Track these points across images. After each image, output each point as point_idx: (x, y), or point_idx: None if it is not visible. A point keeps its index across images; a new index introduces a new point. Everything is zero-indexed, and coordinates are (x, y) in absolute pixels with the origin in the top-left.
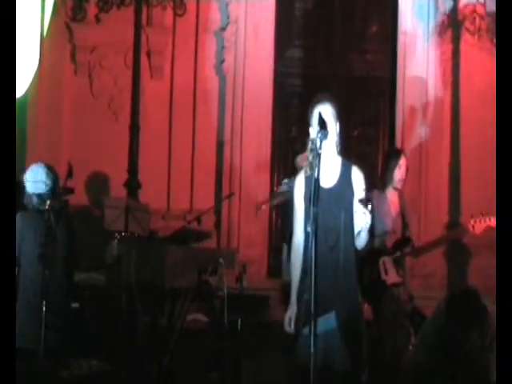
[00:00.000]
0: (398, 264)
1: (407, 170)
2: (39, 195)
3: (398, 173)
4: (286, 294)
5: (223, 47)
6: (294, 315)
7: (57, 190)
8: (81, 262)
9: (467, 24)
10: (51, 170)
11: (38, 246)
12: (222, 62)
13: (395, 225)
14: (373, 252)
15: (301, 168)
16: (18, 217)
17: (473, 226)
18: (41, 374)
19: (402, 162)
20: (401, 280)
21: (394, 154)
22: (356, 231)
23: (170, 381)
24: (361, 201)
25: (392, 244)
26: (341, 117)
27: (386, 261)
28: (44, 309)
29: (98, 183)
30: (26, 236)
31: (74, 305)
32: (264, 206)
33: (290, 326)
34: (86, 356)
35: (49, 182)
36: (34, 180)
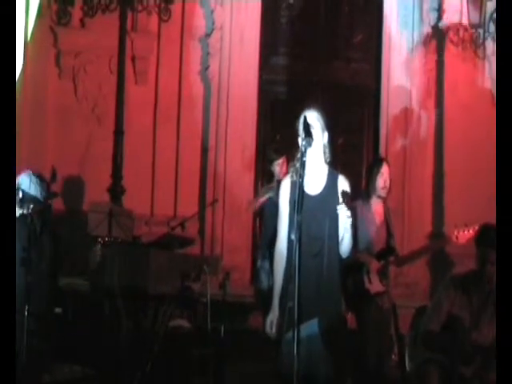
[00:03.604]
0: (382, 273)
1: (390, 178)
2: (25, 199)
3: (381, 181)
4: (262, 301)
5: (208, 53)
6: (275, 319)
7: (43, 196)
8: (64, 266)
9: (451, 35)
10: (39, 178)
11: (20, 251)
12: (207, 68)
13: (379, 234)
14: (357, 261)
15: (278, 174)
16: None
17: (456, 237)
18: (23, 378)
19: (384, 169)
20: (384, 289)
21: (375, 163)
22: (340, 237)
23: None
24: (343, 196)
25: (376, 253)
26: (326, 125)
27: (370, 269)
28: (26, 313)
29: (81, 188)
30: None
31: (57, 310)
32: (258, 203)
33: (271, 330)
34: (69, 361)
35: (34, 187)
36: (24, 186)
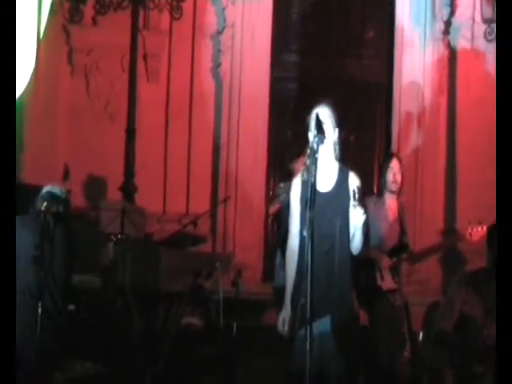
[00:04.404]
0: (394, 270)
1: (402, 173)
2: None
3: (390, 175)
4: (279, 299)
5: (220, 51)
6: (287, 317)
7: (60, 198)
8: (77, 264)
9: (464, 30)
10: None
11: (33, 248)
12: (219, 65)
13: (392, 230)
14: (369, 257)
15: (296, 173)
16: (16, 220)
17: (470, 234)
18: (35, 376)
19: (394, 164)
20: (396, 286)
21: (386, 158)
22: (351, 234)
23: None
24: (354, 195)
25: (389, 250)
26: (338, 122)
27: (383, 266)
28: (39, 311)
29: (94, 186)
30: (23, 239)
31: (70, 307)
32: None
33: (283, 327)
34: (81, 358)
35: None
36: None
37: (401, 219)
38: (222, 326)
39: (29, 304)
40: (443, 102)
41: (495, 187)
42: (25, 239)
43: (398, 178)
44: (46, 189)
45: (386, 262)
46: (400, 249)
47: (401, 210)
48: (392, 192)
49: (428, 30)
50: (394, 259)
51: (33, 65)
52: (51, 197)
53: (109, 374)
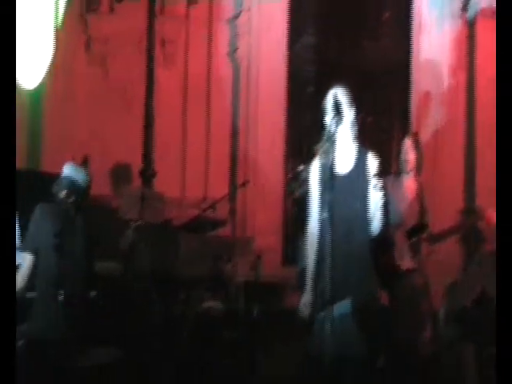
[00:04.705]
0: (414, 250)
1: (419, 153)
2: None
3: (405, 154)
4: (302, 281)
5: (236, 35)
6: (309, 301)
7: (82, 186)
8: (97, 251)
9: (483, 7)
10: (83, 168)
11: (54, 236)
12: (236, 50)
13: (411, 210)
14: (388, 238)
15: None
16: (37, 208)
17: (489, 216)
18: (59, 363)
19: (407, 143)
20: (416, 266)
21: (402, 138)
22: (371, 215)
23: (185, 368)
24: (374, 174)
25: (408, 229)
26: (355, 103)
27: (402, 246)
28: (61, 298)
29: (113, 173)
30: (44, 226)
31: (92, 293)
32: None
33: (305, 312)
34: (102, 345)
35: (73, 172)
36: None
37: (420, 199)
38: (242, 309)
39: (50, 292)
40: (462, 80)
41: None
42: (45, 227)
43: (410, 157)
44: (65, 172)
45: (405, 241)
46: (419, 229)
47: (420, 189)
48: (407, 172)
49: (446, 8)
50: (414, 239)
51: (51, 54)
52: (71, 184)
53: (130, 360)
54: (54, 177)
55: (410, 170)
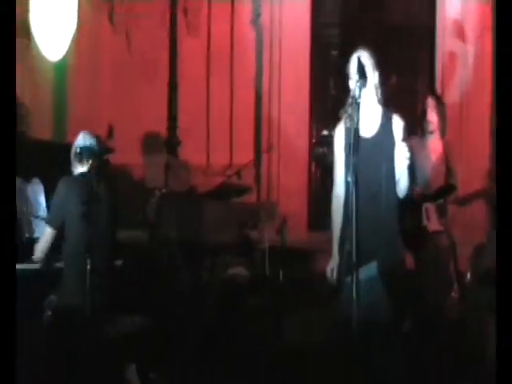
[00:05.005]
0: (441, 211)
1: (442, 113)
2: (76, 149)
3: (428, 115)
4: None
5: (259, 1)
6: (335, 265)
7: (98, 152)
8: (122, 219)
9: None
10: (92, 134)
11: (80, 206)
12: (259, 15)
13: (437, 171)
14: (415, 198)
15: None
16: (60, 181)
17: None
18: (87, 331)
19: (430, 103)
20: (442, 228)
21: (425, 99)
22: (397, 178)
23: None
24: (400, 136)
25: (435, 191)
26: (380, 66)
27: (429, 208)
28: (89, 267)
29: (138, 141)
30: (69, 198)
31: (118, 262)
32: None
33: (332, 276)
34: (130, 313)
35: (88, 140)
36: (76, 140)
37: (446, 160)
38: (268, 275)
39: (78, 262)
40: (487, 40)
41: None
42: (71, 199)
43: (433, 117)
44: (82, 143)
45: (432, 203)
46: (446, 190)
47: (446, 150)
48: (430, 132)
49: None
50: (441, 200)
51: (75, 25)
52: (91, 154)
53: (157, 327)
54: None
55: (434, 131)
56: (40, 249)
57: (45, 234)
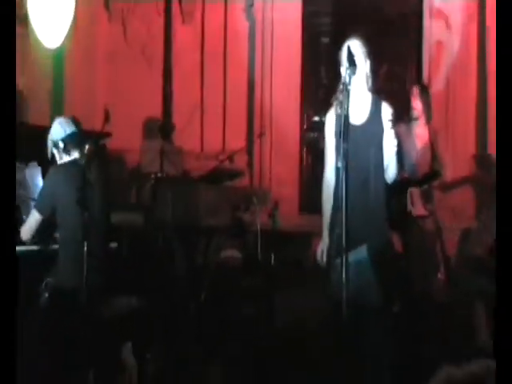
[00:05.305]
0: (426, 197)
1: (425, 100)
2: (55, 143)
3: (413, 102)
4: None
5: None
6: (325, 248)
7: (81, 137)
8: (118, 203)
9: None
10: (71, 120)
11: (74, 192)
12: (252, 5)
13: (424, 157)
14: (401, 184)
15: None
16: (51, 169)
17: None
18: (83, 312)
19: (414, 91)
20: (427, 213)
21: (411, 87)
22: (385, 164)
23: (206, 316)
24: (388, 124)
25: (420, 176)
26: (370, 55)
27: (414, 193)
28: (85, 249)
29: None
30: (61, 187)
31: (113, 244)
32: None
33: (321, 259)
34: (126, 294)
35: (68, 128)
36: (50, 131)
37: (433, 146)
38: (261, 257)
39: (74, 245)
40: (473, 29)
41: None
42: (62, 186)
43: (417, 104)
44: (62, 134)
45: (417, 188)
46: (431, 176)
47: (432, 137)
48: (415, 119)
49: None
50: (426, 186)
51: (71, 13)
52: (77, 141)
53: (153, 308)
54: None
55: (418, 118)
56: (25, 231)
57: (31, 218)
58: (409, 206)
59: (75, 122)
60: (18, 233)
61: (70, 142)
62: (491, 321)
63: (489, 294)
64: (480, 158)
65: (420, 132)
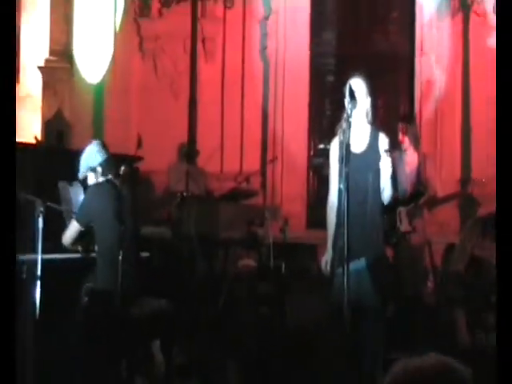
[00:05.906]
0: (411, 214)
1: (412, 133)
2: (93, 168)
3: (401, 137)
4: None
5: (266, 34)
6: (329, 259)
7: (112, 161)
8: (150, 218)
9: (475, 7)
10: (102, 145)
11: (110, 207)
12: (265, 47)
13: (412, 181)
14: (392, 204)
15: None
16: (89, 188)
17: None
18: (117, 311)
19: (401, 128)
20: (411, 229)
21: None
22: (381, 187)
23: (225, 317)
24: (384, 152)
25: (406, 197)
26: (371, 93)
27: (401, 211)
28: (120, 258)
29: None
30: (98, 201)
31: (145, 254)
32: None
33: (325, 268)
34: (155, 298)
35: (103, 154)
36: (86, 157)
37: (421, 170)
38: (273, 266)
39: (110, 255)
40: (458, 70)
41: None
42: (100, 203)
43: (404, 139)
44: (99, 159)
45: (404, 208)
46: (415, 195)
47: (421, 162)
48: (404, 150)
49: (444, 7)
50: (412, 205)
51: (111, 53)
52: (110, 164)
53: (179, 309)
54: (113, 156)
55: (406, 150)
56: (67, 237)
57: (71, 226)
58: (397, 223)
59: (105, 147)
60: (18, 238)
61: (106, 165)
62: (470, 325)
63: (468, 304)
64: (464, 179)
65: (410, 159)
